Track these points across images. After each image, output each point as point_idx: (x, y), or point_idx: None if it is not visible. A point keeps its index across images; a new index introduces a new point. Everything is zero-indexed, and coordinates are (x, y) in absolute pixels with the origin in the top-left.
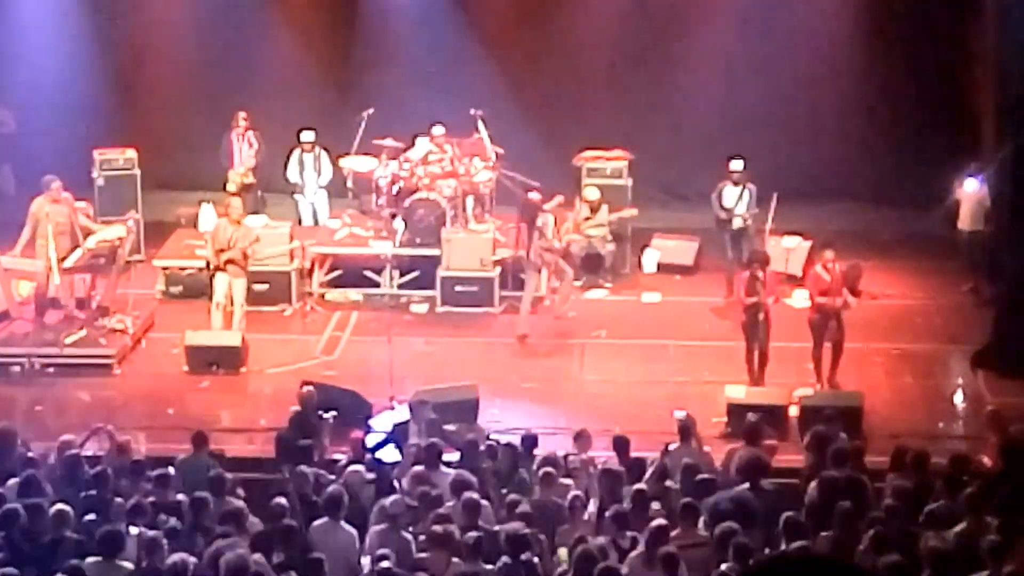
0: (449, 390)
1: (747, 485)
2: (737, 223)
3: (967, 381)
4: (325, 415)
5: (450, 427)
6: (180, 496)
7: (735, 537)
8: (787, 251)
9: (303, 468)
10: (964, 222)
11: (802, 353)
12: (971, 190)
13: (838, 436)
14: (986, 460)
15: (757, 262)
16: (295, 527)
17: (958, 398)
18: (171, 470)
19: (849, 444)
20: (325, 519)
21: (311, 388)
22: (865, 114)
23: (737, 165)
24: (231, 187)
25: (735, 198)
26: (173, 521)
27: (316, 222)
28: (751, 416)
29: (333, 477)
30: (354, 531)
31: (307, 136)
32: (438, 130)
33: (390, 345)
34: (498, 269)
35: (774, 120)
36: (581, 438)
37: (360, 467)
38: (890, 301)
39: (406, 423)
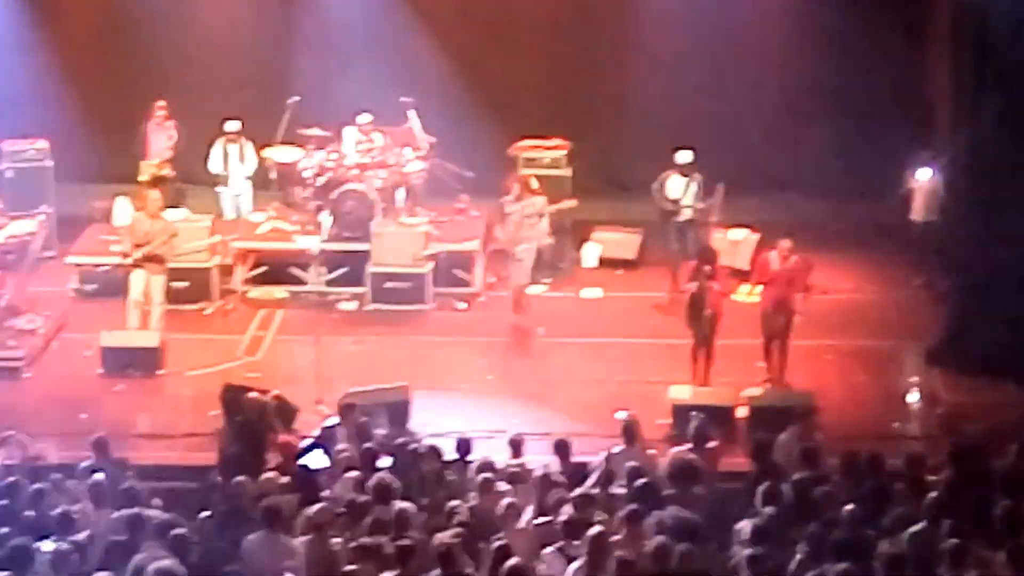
0: (379, 392)
1: (677, 491)
2: (686, 214)
3: (922, 378)
4: (265, 396)
5: (380, 431)
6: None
7: (677, 547)
8: (734, 244)
9: (242, 479)
10: (918, 213)
11: (751, 351)
12: (925, 180)
13: (788, 442)
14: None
15: (706, 258)
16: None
17: (913, 396)
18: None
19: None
20: (262, 531)
21: (256, 395)
22: (815, 101)
23: (685, 157)
24: (144, 178)
25: (681, 189)
26: (84, 535)
27: (239, 215)
28: (695, 417)
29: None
30: (294, 543)
31: (231, 126)
32: (364, 118)
33: (317, 345)
34: (430, 265)
35: (719, 108)
36: (516, 444)
37: (276, 474)
38: (841, 295)
39: (334, 427)
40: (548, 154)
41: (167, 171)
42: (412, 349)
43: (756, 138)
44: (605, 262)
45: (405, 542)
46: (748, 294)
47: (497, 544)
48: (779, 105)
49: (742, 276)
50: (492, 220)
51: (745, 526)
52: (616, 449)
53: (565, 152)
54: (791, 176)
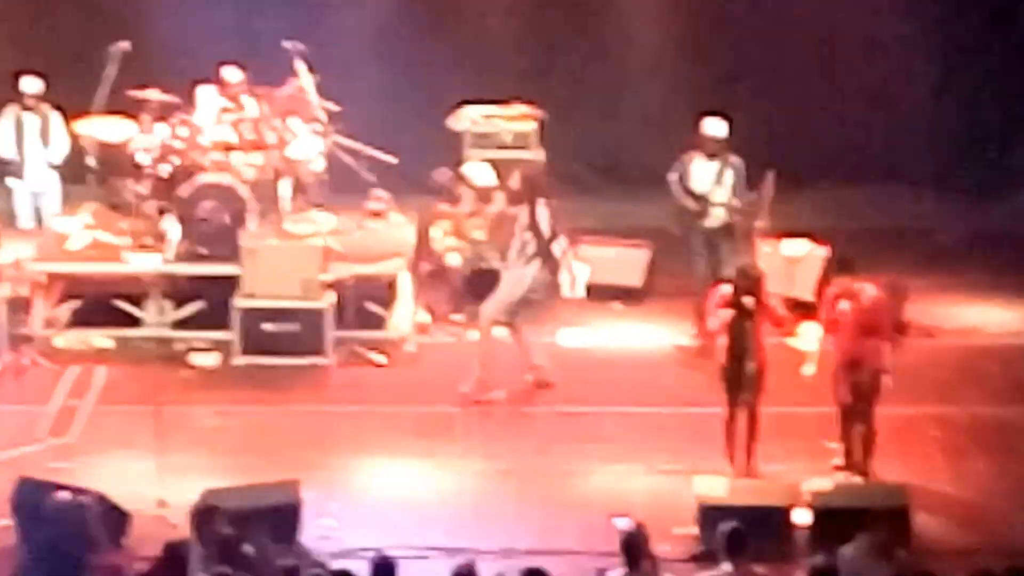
0: (255, 490)
1: None
2: (717, 216)
3: None
4: (82, 497)
5: (255, 548)
6: None
7: None
8: (790, 262)
9: None
10: None
11: (817, 423)
12: None
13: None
14: None
15: (744, 282)
16: None
17: None
18: None
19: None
20: None
21: (69, 496)
22: (913, 55)
23: (717, 128)
24: None
25: (712, 179)
26: None
27: (40, 222)
28: (728, 525)
29: None
30: None
31: (30, 85)
32: (232, 74)
33: (159, 419)
34: (331, 296)
35: (767, 62)
36: (464, 569)
37: None
38: (953, 340)
39: (184, 544)
40: (510, 127)
41: None
42: (304, 425)
43: (822, 106)
44: (597, 290)
45: None
46: (817, 339)
47: None
48: (857, 58)
49: (804, 310)
50: (426, 228)
51: None
52: (614, 573)
53: (535, 125)
54: (875, 162)
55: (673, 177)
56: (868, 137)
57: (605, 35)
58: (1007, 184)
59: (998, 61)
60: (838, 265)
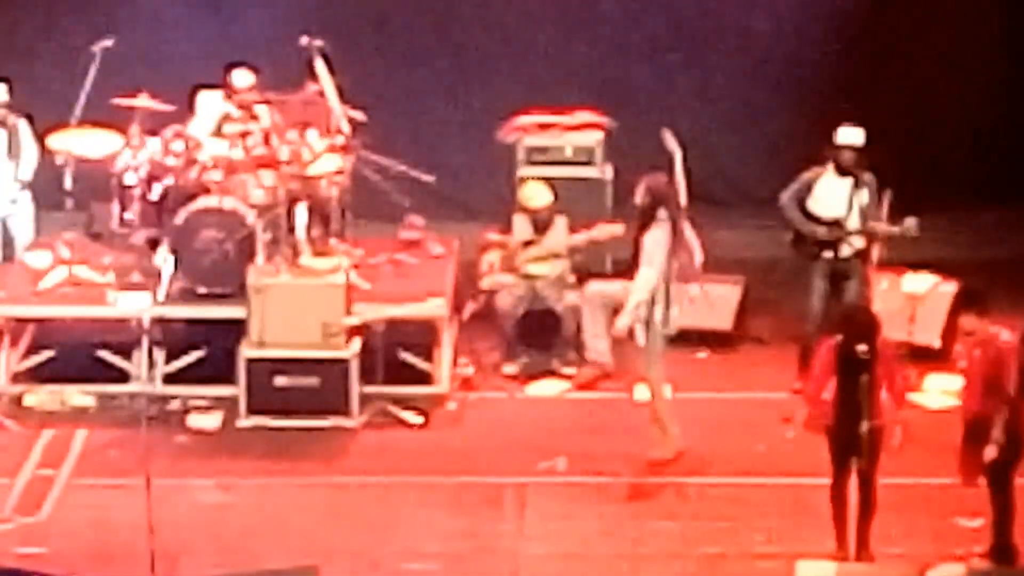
0: None
1: None
2: (854, 246)
3: None
4: None
5: None
6: None
7: None
8: (911, 300)
9: None
10: None
11: (945, 495)
12: None
13: None
14: None
15: (855, 327)
16: None
17: None
18: None
19: None
20: None
21: None
22: None
23: (853, 137)
24: None
25: (844, 199)
26: None
27: (6, 255)
28: None
29: None
30: None
31: None
32: (242, 78)
33: (150, 494)
34: (357, 344)
35: (878, 63)
36: None
37: None
38: None
39: None
40: (571, 140)
41: None
42: (324, 500)
43: (947, 110)
44: (678, 335)
45: None
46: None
47: None
48: (986, 54)
49: (930, 359)
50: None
51: None
52: None
53: (601, 136)
54: (1014, 178)
55: (787, 198)
56: (1004, 149)
57: (685, 26)
58: None
59: None
60: (963, 300)
